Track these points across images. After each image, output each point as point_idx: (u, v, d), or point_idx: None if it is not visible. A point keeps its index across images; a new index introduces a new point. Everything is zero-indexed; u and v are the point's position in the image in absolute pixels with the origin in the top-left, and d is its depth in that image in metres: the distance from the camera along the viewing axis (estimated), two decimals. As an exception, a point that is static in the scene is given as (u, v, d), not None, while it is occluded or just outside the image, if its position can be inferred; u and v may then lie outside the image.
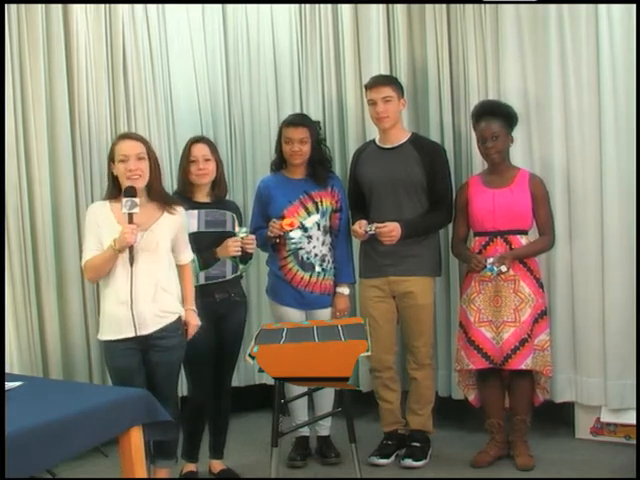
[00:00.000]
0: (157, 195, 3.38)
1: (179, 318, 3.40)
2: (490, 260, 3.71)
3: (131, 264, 3.21)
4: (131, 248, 3.21)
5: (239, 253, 3.70)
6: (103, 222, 3.29)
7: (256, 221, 4.06)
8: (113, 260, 3.24)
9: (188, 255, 3.53)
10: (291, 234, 3.89)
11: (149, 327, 3.28)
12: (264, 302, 4.52)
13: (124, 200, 3.20)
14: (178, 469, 3.81)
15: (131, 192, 3.22)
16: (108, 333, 3.31)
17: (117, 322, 3.26)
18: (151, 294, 3.29)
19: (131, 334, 3.24)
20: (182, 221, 3.46)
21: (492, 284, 3.78)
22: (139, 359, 3.31)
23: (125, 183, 3.29)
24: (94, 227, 3.29)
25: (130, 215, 3.20)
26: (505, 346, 3.73)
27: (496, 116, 3.83)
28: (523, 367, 3.74)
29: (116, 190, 3.36)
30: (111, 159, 3.36)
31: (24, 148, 3.96)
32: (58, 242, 4.09)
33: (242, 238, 3.71)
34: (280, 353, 3.21)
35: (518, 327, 3.73)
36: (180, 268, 3.48)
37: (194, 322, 3.46)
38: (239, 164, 4.90)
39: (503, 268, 3.69)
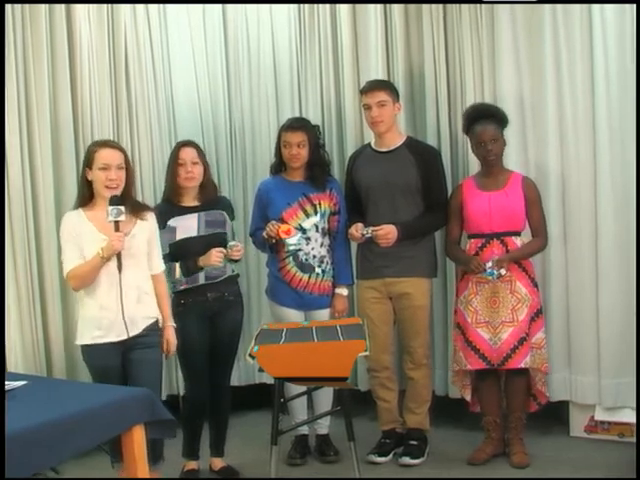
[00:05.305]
0: (130, 202, 3.40)
1: (157, 320, 3.45)
2: (489, 264, 3.73)
3: (120, 271, 3.26)
4: (119, 255, 3.26)
5: (220, 264, 3.71)
6: (83, 232, 3.31)
7: (256, 223, 4.10)
8: (100, 268, 3.28)
9: (159, 264, 3.51)
10: (288, 240, 3.91)
11: (136, 329, 3.34)
12: (264, 302, 4.54)
13: (110, 208, 3.23)
14: (180, 467, 3.87)
15: (117, 200, 3.26)
16: (91, 337, 3.33)
17: (106, 327, 3.30)
18: (135, 297, 3.34)
19: (123, 337, 3.30)
20: (153, 226, 3.49)
21: (489, 285, 3.81)
22: (120, 360, 3.35)
23: (102, 191, 3.32)
24: (73, 237, 3.32)
25: (117, 223, 3.24)
26: (504, 346, 3.76)
27: (491, 119, 3.86)
28: (522, 365, 3.77)
29: (88, 197, 3.39)
30: (88, 165, 3.36)
31: (28, 154, 4.00)
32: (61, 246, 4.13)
33: (230, 247, 3.71)
34: (280, 353, 3.26)
35: (516, 326, 3.77)
36: (153, 278, 3.49)
37: (173, 340, 3.51)
38: (239, 167, 4.92)
39: (502, 271, 3.72)
